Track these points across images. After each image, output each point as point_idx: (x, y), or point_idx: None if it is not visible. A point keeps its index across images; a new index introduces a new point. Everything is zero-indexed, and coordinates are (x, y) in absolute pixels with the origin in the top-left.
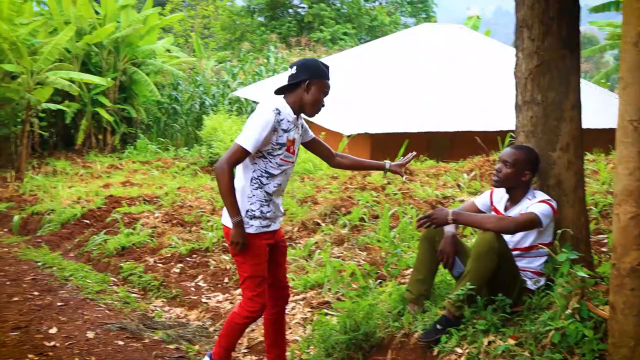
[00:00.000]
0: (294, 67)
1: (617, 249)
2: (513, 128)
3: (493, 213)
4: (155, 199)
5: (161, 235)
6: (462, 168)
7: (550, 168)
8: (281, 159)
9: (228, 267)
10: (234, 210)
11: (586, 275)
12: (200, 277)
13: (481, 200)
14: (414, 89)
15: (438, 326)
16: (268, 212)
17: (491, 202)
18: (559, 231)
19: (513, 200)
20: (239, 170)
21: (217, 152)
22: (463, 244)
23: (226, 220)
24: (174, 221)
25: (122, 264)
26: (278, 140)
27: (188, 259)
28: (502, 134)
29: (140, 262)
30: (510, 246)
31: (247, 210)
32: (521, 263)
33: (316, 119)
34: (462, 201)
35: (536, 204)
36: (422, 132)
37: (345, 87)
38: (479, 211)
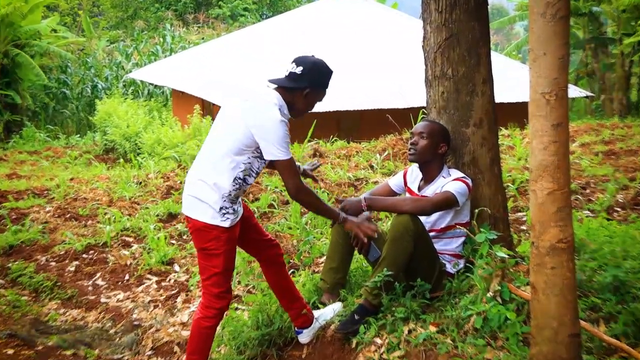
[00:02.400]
0: (300, 68)
1: (535, 227)
2: (424, 104)
3: (407, 194)
4: (45, 192)
5: (53, 231)
6: (375, 148)
7: (464, 145)
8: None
9: (128, 262)
10: (332, 212)
11: (506, 256)
12: (98, 275)
13: (395, 181)
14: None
15: (356, 316)
16: (237, 204)
17: (405, 183)
18: (476, 210)
19: (427, 179)
20: (219, 165)
21: (113, 139)
22: (378, 228)
23: (200, 213)
24: (68, 215)
25: (10, 265)
26: None
27: (84, 255)
28: (414, 111)
29: (30, 262)
30: (427, 228)
31: (222, 208)
32: (439, 245)
33: (210, 98)
34: (375, 183)
35: (451, 182)
36: (331, 112)
37: (246, 67)
38: (393, 193)
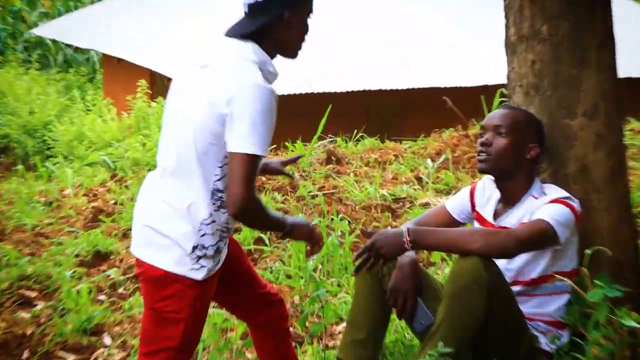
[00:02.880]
0: None
1: None
2: (503, 81)
3: (476, 224)
4: None
5: None
6: (424, 150)
7: (569, 146)
8: None
9: (29, 332)
10: (280, 222)
11: (638, 326)
12: None
13: (456, 204)
14: (337, 25)
15: None
16: (223, 242)
17: (472, 206)
18: (588, 251)
19: (509, 199)
20: (185, 174)
21: (6, 134)
22: (430, 277)
23: (158, 255)
24: None
25: None
26: None
27: None
28: (487, 91)
29: None
30: (508, 278)
31: (197, 247)
32: (527, 307)
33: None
34: (425, 206)
35: (547, 204)
36: (355, 92)
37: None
38: (453, 221)
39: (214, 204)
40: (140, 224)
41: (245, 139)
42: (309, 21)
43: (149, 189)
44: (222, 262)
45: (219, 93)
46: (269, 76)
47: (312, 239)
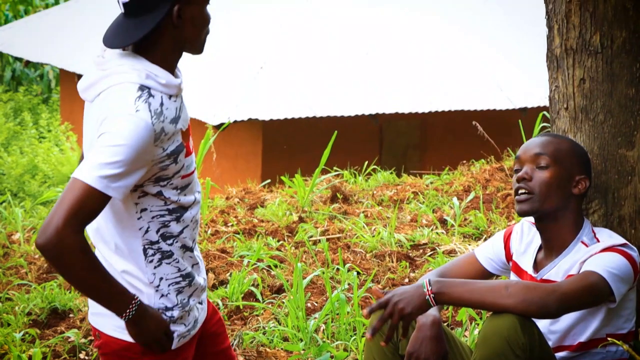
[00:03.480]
0: None
1: None
2: (545, 103)
3: (513, 276)
4: None
5: None
6: (449, 186)
7: (625, 181)
8: (183, 176)
9: None
10: (120, 297)
11: None
12: None
13: (488, 252)
14: (341, 35)
15: None
16: (193, 294)
17: (508, 255)
18: None
19: (553, 246)
20: (104, 242)
21: None
22: (455, 340)
23: (102, 322)
24: None
25: None
26: (168, 147)
27: None
28: (526, 115)
29: None
30: (552, 342)
31: (161, 309)
32: None
33: None
34: (451, 254)
35: (599, 254)
36: (364, 116)
37: (217, 46)
38: (484, 273)
39: (151, 261)
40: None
41: (91, 167)
42: (208, 8)
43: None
44: (198, 326)
45: (96, 131)
46: (166, 90)
47: (159, 341)
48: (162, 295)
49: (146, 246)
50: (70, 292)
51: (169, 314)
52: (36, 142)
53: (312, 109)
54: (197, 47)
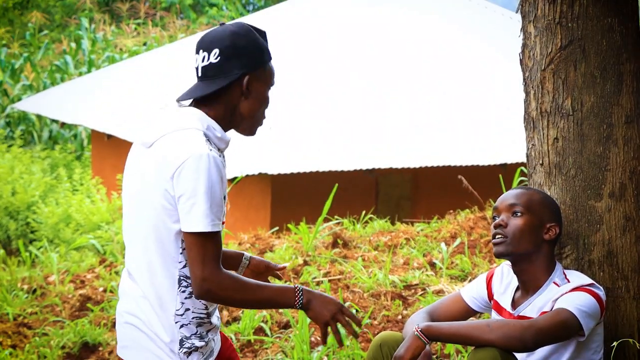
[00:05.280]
0: (215, 51)
1: None
2: (523, 159)
3: (494, 314)
4: None
5: None
6: (438, 232)
7: (594, 229)
8: (223, 222)
9: None
10: (283, 293)
11: None
12: None
13: (472, 292)
14: (343, 97)
15: None
16: (212, 330)
17: (490, 294)
18: (615, 344)
19: (528, 287)
20: (147, 262)
21: None
22: None
23: (140, 354)
24: None
25: None
26: (224, 191)
27: None
28: (506, 170)
29: None
30: None
31: (181, 341)
32: None
33: None
34: (439, 294)
35: (570, 293)
36: (362, 171)
37: None
38: (469, 311)
39: (183, 291)
40: (121, 320)
41: (198, 217)
42: (270, 94)
43: (125, 279)
44: (214, 355)
45: (164, 170)
46: (219, 143)
47: (334, 317)
48: (183, 325)
49: (181, 277)
50: (100, 328)
51: (190, 342)
52: (70, 194)
53: (316, 164)
54: (251, 125)
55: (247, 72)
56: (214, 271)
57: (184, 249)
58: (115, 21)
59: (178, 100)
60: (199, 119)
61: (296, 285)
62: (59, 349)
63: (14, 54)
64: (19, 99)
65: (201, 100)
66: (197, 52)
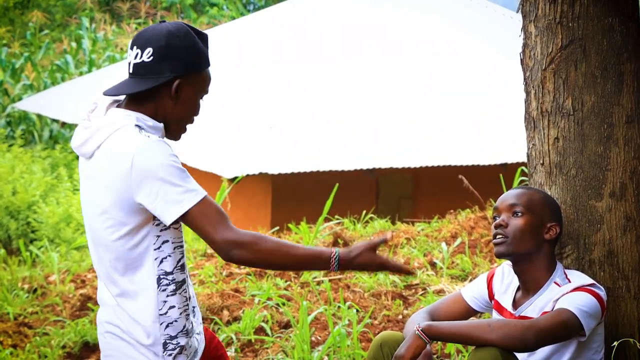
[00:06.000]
0: (149, 49)
1: None
2: (523, 159)
3: (495, 314)
4: None
5: None
6: (438, 232)
7: (594, 229)
8: None
9: None
10: (317, 253)
11: None
12: None
13: (473, 292)
14: (343, 96)
15: None
16: (193, 323)
17: (490, 294)
18: (615, 344)
19: (529, 286)
20: (118, 276)
21: None
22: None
23: None
24: None
25: None
26: None
27: None
28: (507, 170)
29: None
30: None
31: (164, 344)
32: None
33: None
34: (439, 293)
35: (571, 293)
36: (362, 171)
37: (225, 99)
38: (469, 311)
39: (164, 290)
40: (103, 331)
41: (176, 199)
42: (201, 102)
43: (100, 285)
44: (199, 355)
45: (114, 177)
46: (154, 131)
47: (391, 267)
48: (168, 325)
49: (161, 276)
50: None
51: (174, 342)
52: (70, 194)
53: (316, 164)
54: (176, 130)
55: (178, 75)
56: (226, 232)
57: (162, 244)
58: (116, 21)
59: (105, 94)
60: (126, 116)
61: (333, 250)
62: (59, 348)
63: (15, 53)
64: (20, 99)
65: (130, 99)
66: (131, 48)
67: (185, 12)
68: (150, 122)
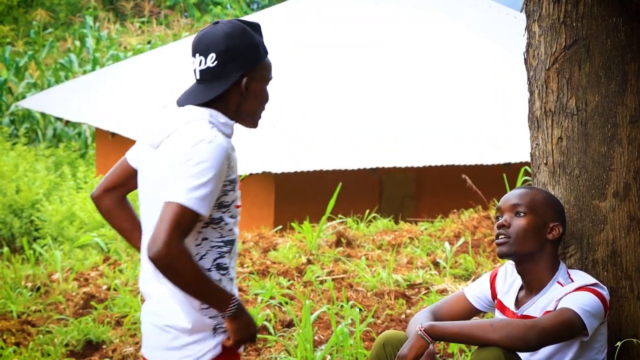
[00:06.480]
0: (212, 55)
1: None
2: (527, 159)
3: (498, 313)
4: None
5: None
6: (441, 232)
7: (598, 229)
8: (237, 206)
9: None
10: (222, 295)
11: None
12: None
13: (476, 291)
14: (347, 95)
15: None
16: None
17: (493, 293)
18: (618, 344)
19: (532, 286)
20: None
21: None
22: None
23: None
24: None
25: None
26: (231, 174)
27: None
28: (510, 169)
29: None
30: None
31: (218, 327)
32: None
33: None
34: (442, 292)
35: (573, 293)
36: (366, 170)
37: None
38: (472, 310)
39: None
40: (147, 322)
41: (186, 191)
42: (268, 88)
43: (146, 285)
44: None
45: (177, 165)
46: (224, 129)
47: (252, 336)
48: (211, 317)
49: (214, 263)
50: (103, 326)
51: (218, 326)
52: (74, 192)
53: (319, 163)
54: (253, 120)
55: (245, 73)
56: (177, 241)
57: (201, 241)
58: (119, 19)
59: (178, 105)
60: (200, 111)
61: (234, 296)
62: (62, 346)
63: (19, 52)
64: (24, 97)
65: (206, 105)
66: (194, 56)
67: (189, 10)
68: (223, 119)
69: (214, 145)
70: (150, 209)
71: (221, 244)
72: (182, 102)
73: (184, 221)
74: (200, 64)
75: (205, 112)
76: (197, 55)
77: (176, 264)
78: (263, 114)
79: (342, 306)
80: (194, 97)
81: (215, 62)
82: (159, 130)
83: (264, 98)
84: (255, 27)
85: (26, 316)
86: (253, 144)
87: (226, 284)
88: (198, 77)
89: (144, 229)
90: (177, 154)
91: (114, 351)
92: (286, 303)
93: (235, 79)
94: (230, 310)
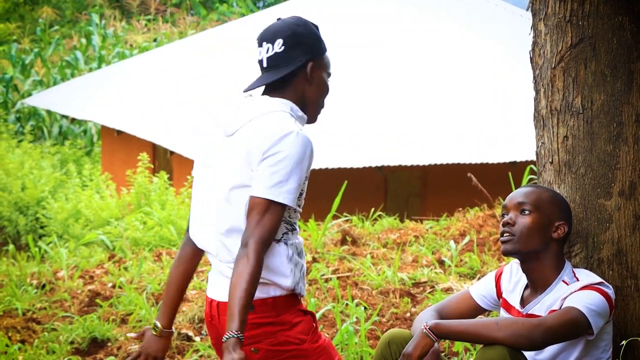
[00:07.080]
0: (279, 40)
1: None
2: (532, 157)
3: (503, 312)
4: None
5: None
6: (447, 230)
7: (603, 228)
8: (304, 198)
9: None
10: (243, 317)
11: None
12: None
13: (481, 290)
14: (352, 94)
15: None
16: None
17: (498, 292)
18: (624, 342)
19: (537, 285)
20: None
21: None
22: None
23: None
24: None
25: None
26: (311, 166)
27: None
28: (516, 168)
29: None
30: None
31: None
32: None
33: (167, 142)
34: (447, 291)
35: (579, 292)
36: (371, 168)
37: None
38: (477, 309)
39: (290, 260)
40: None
41: (277, 186)
42: (329, 83)
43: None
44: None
45: (254, 154)
46: (301, 122)
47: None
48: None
49: (287, 244)
50: (108, 323)
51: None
52: (79, 190)
53: (325, 161)
54: (315, 111)
55: (310, 59)
56: (264, 247)
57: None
58: (125, 17)
59: (245, 91)
60: (282, 103)
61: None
62: (67, 344)
63: (25, 49)
64: (29, 95)
65: (271, 89)
66: (260, 45)
67: (195, 8)
68: (300, 112)
69: (301, 138)
70: (213, 196)
71: (290, 226)
72: (249, 88)
73: (277, 220)
74: (267, 51)
75: (286, 105)
76: (265, 43)
77: (258, 265)
78: (323, 110)
79: (347, 304)
80: (262, 81)
81: (283, 47)
82: (235, 118)
83: (326, 89)
84: (316, 26)
85: (31, 314)
86: None
87: (299, 267)
88: (265, 64)
89: (199, 214)
90: (259, 145)
91: (119, 349)
92: None
93: (302, 62)
94: (227, 336)
